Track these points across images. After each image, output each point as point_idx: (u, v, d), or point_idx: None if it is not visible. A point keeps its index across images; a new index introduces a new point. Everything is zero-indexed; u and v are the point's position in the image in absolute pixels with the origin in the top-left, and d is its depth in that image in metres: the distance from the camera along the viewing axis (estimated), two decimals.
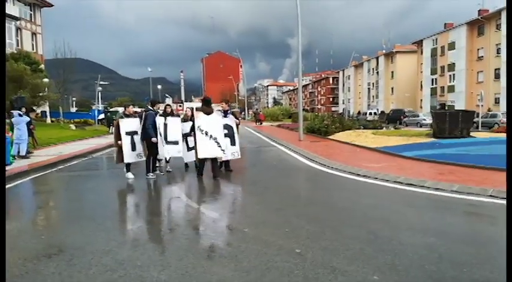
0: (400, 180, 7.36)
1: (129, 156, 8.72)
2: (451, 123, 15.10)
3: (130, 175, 8.71)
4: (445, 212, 5.47)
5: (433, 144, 13.13)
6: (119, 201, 7.31)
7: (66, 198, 7.54)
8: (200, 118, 8.25)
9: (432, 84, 55.53)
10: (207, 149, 8.16)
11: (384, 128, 24.06)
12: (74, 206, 6.51)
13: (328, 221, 4.99)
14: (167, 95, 79.02)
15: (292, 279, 3.19)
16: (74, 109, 64.00)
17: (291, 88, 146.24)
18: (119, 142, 8.62)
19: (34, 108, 19.73)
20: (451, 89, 50.85)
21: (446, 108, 44.89)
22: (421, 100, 58.20)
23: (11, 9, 33.10)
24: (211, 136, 8.21)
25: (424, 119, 32.67)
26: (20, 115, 12.55)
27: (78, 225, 5.08)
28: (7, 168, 10.07)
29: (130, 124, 8.77)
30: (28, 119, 12.65)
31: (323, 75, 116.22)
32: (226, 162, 9.30)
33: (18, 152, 12.21)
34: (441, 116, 15.85)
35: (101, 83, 50.31)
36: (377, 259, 3.58)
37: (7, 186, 8.23)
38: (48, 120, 34.57)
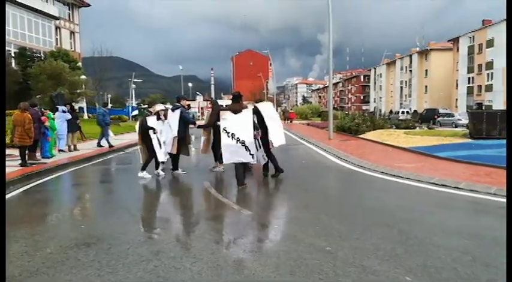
0: (433, 181, 7.19)
1: (162, 155, 8.53)
2: (489, 123, 14.58)
3: (147, 174, 8.32)
4: (480, 215, 5.33)
5: (469, 145, 12.72)
6: (152, 194, 7.53)
7: (102, 190, 7.86)
8: (226, 119, 7.19)
9: (468, 83, 53.51)
10: (231, 154, 7.15)
11: (417, 128, 23.47)
12: (110, 198, 6.78)
13: (358, 220, 4.97)
14: (198, 93, 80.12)
15: (322, 276, 3.21)
16: (109, 105, 65.89)
17: (321, 86, 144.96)
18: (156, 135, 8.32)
19: (73, 105, 20.50)
20: (489, 88, 48.82)
21: (483, 108, 43.21)
22: (457, 99, 56.24)
23: (50, 9, 34.56)
24: (238, 139, 7.09)
25: (460, 119, 31.44)
26: (63, 111, 12.95)
27: (115, 216, 5.31)
28: (47, 160, 10.59)
29: (153, 122, 8.45)
30: (69, 116, 12.97)
31: (354, 73, 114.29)
32: (272, 165, 8.22)
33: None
34: (478, 116, 15.32)
35: (135, 80, 51.73)
36: (409, 260, 3.55)
37: (49, 178, 8.68)
38: (86, 116, 35.89)
